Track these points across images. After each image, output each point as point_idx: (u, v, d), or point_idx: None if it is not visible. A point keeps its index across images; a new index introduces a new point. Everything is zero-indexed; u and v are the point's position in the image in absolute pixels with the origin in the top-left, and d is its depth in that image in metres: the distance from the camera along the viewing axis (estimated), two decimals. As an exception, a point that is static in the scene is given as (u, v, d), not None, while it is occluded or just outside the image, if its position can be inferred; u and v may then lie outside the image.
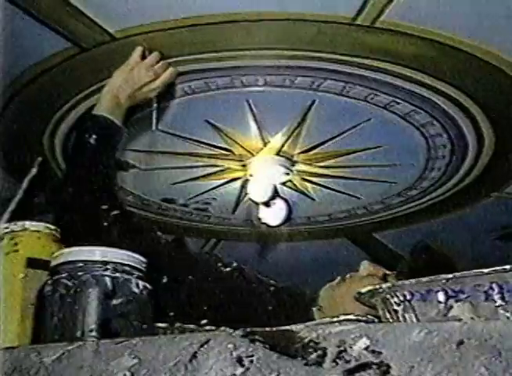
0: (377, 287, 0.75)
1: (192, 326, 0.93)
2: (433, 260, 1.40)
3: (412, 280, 0.72)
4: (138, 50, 1.50)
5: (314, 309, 1.44)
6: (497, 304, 0.67)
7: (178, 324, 0.93)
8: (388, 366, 0.55)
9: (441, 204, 3.27)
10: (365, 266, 1.47)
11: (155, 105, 1.51)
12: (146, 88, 1.52)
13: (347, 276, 1.49)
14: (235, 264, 1.46)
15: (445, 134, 2.65)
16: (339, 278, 1.49)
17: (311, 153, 2.85)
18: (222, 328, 0.91)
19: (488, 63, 2.19)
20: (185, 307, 1.16)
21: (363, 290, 0.78)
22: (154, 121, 1.58)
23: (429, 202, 3.26)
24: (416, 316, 0.71)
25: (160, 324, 0.91)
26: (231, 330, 0.62)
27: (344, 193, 3.18)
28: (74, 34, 2.10)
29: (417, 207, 3.33)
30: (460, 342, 0.55)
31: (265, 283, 1.48)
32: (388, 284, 0.74)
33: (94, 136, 1.32)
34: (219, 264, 1.44)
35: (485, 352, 0.54)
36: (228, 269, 1.43)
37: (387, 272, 1.44)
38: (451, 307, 0.68)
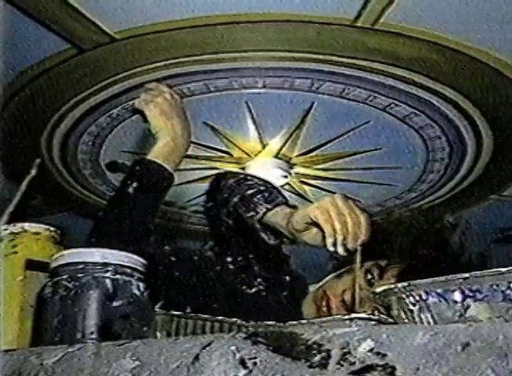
0: (392, 286, 0.75)
1: (205, 316, 0.92)
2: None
3: (428, 280, 0.71)
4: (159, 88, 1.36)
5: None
6: None
7: (191, 313, 0.91)
8: (393, 368, 0.54)
9: (439, 207, 3.27)
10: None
11: None
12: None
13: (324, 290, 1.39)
14: (258, 280, 1.37)
15: (444, 136, 2.65)
16: (317, 291, 1.40)
17: (310, 155, 2.85)
18: (234, 319, 0.90)
19: (487, 66, 2.19)
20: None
21: (378, 289, 0.78)
22: None
23: (427, 205, 3.26)
24: (432, 316, 0.70)
25: (174, 312, 0.90)
26: (233, 332, 0.61)
27: (342, 195, 3.18)
28: (73, 35, 2.10)
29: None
30: (466, 344, 0.55)
31: (286, 286, 1.40)
32: (404, 284, 0.73)
33: (135, 184, 1.21)
34: (244, 287, 1.37)
35: (491, 354, 0.53)
36: (253, 290, 1.36)
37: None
38: (468, 307, 0.68)
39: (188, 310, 1.14)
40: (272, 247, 1.34)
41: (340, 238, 1.09)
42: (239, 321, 0.89)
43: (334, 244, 1.11)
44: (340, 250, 1.10)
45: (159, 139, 1.27)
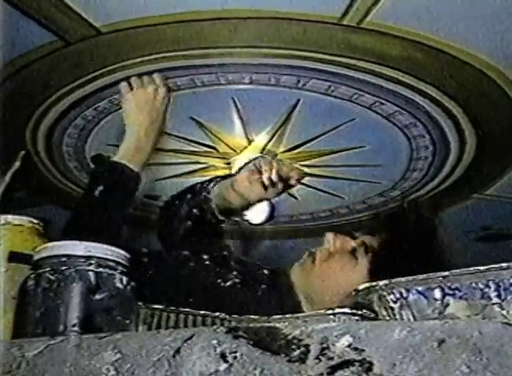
0: (374, 284, 0.76)
1: (188, 309, 0.92)
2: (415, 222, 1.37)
3: (409, 278, 0.72)
4: (132, 83, 1.34)
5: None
6: (493, 301, 0.67)
7: (173, 307, 0.92)
8: (371, 364, 0.55)
9: (422, 205, 3.30)
10: (330, 241, 1.39)
11: None
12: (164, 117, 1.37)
13: (315, 252, 1.41)
14: (234, 273, 1.40)
15: (428, 135, 2.68)
16: (306, 255, 1.42)
17: (295, 152, 2.87)
18: (217, 313, 0.91)
19: (470, 66, 2.21)
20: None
21: (360, 287, 0.79)
22: None
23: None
24: (412, 313, 0.71)
25: (155, 305, 0.90)
26: (215, 326, 0.62)
27: (327, 192, 3.20)
28: (60, 28, 2.09)
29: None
30: (442, 340, 0.56)
31: (263, 277, 1.43)
32: (385, 281, 0.74)
33: (100, 188, 1.21)
34: (219, 280, 1.39)
35: (466, 350, 0.55)
36: (228, 283, 1.38)
37: (354, 244, 1.36)
38: (447, 304, 0.69)
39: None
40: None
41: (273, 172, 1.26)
42: (221, 315, 0.90)
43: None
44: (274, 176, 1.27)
45: (126, 136, 1.28)
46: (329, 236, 1.39)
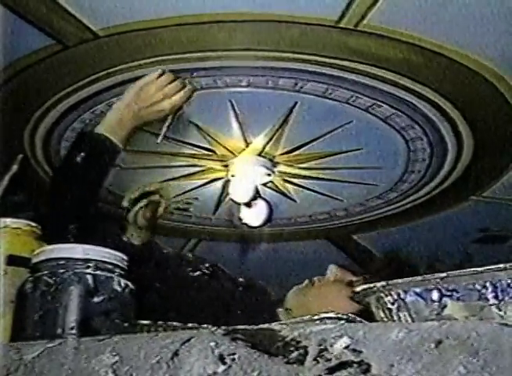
0: (371, 285, 0.76)
1: (175, 323, 0.93)
2: (398, 271, 1.43)
3: (407, 279, 0.72)
4: (157, 72, 1.40)
5: (280, 310, 1.47)
6: (490, 302, 0.67)
7: (160, 322, 0.93)
8: (368, 365, 0.55)
9: (420, 207, 3.30)
10: (333, 271, 1.50)
11: (168, 121, 1.44)
12: (154, 107, 1.43)
13: (315, 279, 1.52)
14: (206, 265, 1.47)
15: (425, 137, 2.68)
16: (306, 281, 1.53)
17: (293, 154, 2.86)
18: (205, 325, 0.91)
19: (467, 68, 2.21)
20: (153, 313, 1.15)
21: (358, 289, 0.79)
22: (161, 135, 1.50)
23: (408, 205, 3.29)
24: (410, 314, 0.71)
25: (143, 321, 0.91)
26: (213, 329, 0.62)
27: (324, 194, 3.20)
28: (57, 31, 2.09)
29: (397, 210, 3.35)
30: (439, 341, 0.56)
31: (235, 282, 1.50)
32: (383, 283, 0.74)
33: (82, 154, 1.28)
34: (189, 268, 1.46)
35: (463, 351, 0.55)
36: (197, 273, 1.45)
37: (354, 278, 1.46)
38: (445, 306, 0.69)
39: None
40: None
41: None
42: (209, 326, 0.91)
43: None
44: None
45: (111, 110, 1.38)
46: (333, 267, 1.48)
